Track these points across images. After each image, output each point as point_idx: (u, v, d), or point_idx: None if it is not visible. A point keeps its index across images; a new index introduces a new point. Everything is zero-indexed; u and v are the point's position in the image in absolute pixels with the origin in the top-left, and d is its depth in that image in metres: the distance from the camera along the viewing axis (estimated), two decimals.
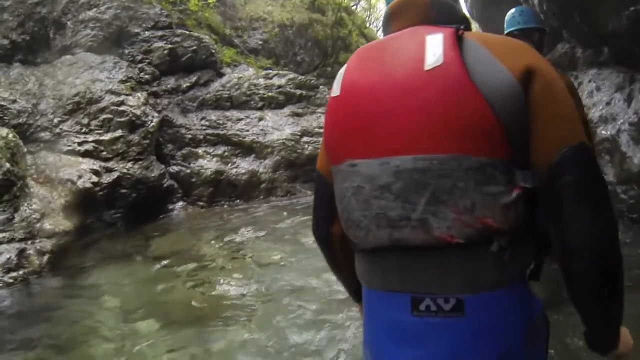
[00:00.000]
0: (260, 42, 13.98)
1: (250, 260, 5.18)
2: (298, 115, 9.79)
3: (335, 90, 1.37)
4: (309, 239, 5.39)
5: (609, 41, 5.60)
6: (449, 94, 1.15)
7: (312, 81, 11.12)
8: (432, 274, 1.26)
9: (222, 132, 8.50)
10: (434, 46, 1.19)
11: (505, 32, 3.44)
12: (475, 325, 1.25)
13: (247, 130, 8.72)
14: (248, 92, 9.58)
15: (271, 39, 14.29)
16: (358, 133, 1.29)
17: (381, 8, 21.81)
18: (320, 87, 11.01)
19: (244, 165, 8.29)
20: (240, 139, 8.53)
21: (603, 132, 5.69)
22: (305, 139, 9.13)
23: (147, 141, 7.39)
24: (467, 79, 1.13)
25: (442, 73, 1.15)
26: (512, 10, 3.52)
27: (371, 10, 21.25)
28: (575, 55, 6.57)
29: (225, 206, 7.79)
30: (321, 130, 9.58)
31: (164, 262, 5.22)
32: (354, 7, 18.65)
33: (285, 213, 6.98)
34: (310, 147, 9.01)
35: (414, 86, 1.18)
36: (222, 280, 4.65)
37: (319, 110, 10.25)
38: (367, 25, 20.47)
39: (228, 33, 12.98)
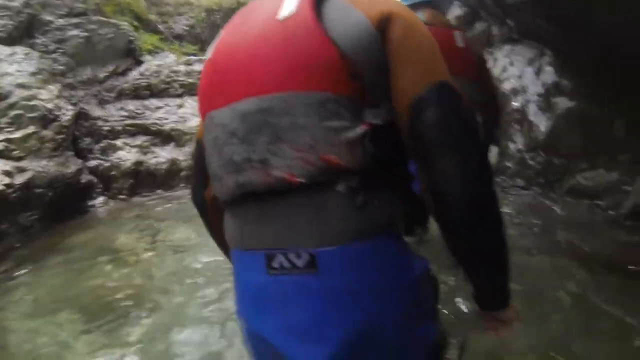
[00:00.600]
0: (186, 28, 13.80)
1: (166, 247, 5.37)
2: None
3: (208, 53, 1.41)
4: None
5: (513, 15, 5.92)
6: (295, 37, 1.16)
7: None
8: (282, 224, 1.21)
9: (141, 122, 8.48)
10: (291, 1, 1.21)
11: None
12: (331, 283, 1.17)
13: (167, 119, 8.71)
14: (167, 80, 9.52)
15: (197, 24, 14.11)
16: (216, 87, 1.32)
17: None
18: None
19: (163, 155, 8.31)
20: (159, 127, 8.53)
21: (514, 103, 6.16)
22: None
23: (62, 136, 7.24)
24: (315, 22, 1.14)
25: (293, 21, 1.17)
26: None
27: None
28: (491, 33, 6.99)
29: (147, 197, 7.83)
30: None
31: (82, 258, 5.26)
32: None
33: None
34: None
35: (266, 36, 1.21)
36: (138, 269, 4.84)
37: None
38: None
39: (153, 19, 12.77)
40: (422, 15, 2.75)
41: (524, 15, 5.49)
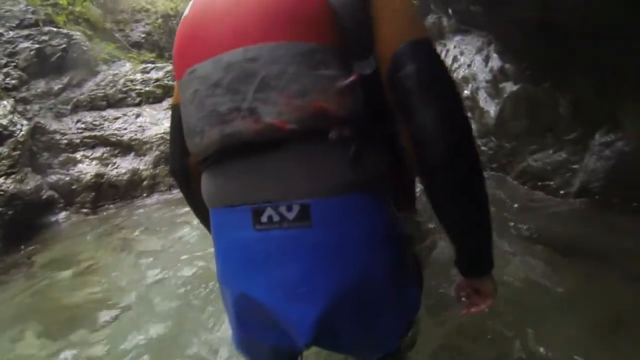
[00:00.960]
0: (143, 35, 13.56)
1: (128, 256, 5.35)
2: None
3: (185, 13, 1.41)
4: (187, 228, 5.64)
5: (453, 4, 6.07)
6: None
7: None
8: (272, 176, 1.19)
9: (99, 134, 8.40)
10: None
11: None
12: (323, 237, 1.16)
13: (125, 129, 8.66)
14: (124, 89, 9.46)
15: (155, 30, 13.86)
16: (197, 41, 1.30)
17: None
18: None
19: (124, 165, 8.25)
20: (119, 138, 8.47)
21: (465, 91, 6.23)
22: None
23: (18, 152, 7.12)
24: None
25: None
26: None
27: None
28: (442, 24, 7.10)
29: (110, 209, 7.75)
30: None
31: (44, 274, 5.23)
32: None
33: (166, 207, 7.17)
34: None
35: None
36: (100, 280, 4.81)
37: None
38: None
39: (109, 27, 12.61)
40: None
41: (461, 3, 5.64)
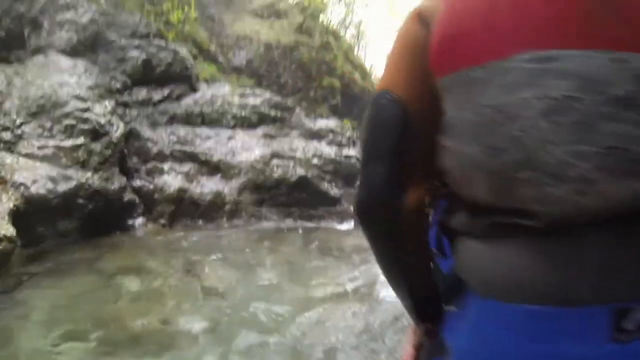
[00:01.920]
0: (244, 61, 13.77)
1: (198, 285, 5.01)
2: (270, 136, 9.63)
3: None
4: (264, 268, 5.32)
5: None
6: None
7: (288, 103, 11.04)
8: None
9: (189, 149, 8.32)
10: None
11: None
12: None
13: (216, 149, 8.54)
14: (221, 110, 9.42)
15: (256, 58, 14.04)
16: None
17: (369, 35, 21.91)
18: (297, 109, 10.99)
19: (208, 185, 8.08)
20: (208, 157, 8.35)
21: None
22: (275, 161, 8.94)
23: (110, 151, 7.17)
24: None
25: None
26: None
27: (359, 36, 21.23)
28: None
29: (187, 226, 7.55)
30: (292, 154, 9.60)
31: (110, 277, 5.06)
32: (342, 32, 18.58)
33: (246, 238, 6.90)
34: (279, 170, 8.83)
35: None
36: (165, 302, 4.52)
37: (293, 132, 10.13)
38: (355, 52, 20.43)
39: (213, 49, 12.83)
40: None
41: None
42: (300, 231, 7.42)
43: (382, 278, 1.20)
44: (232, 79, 11.61)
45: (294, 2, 15.07)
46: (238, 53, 13.83)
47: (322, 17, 16.28)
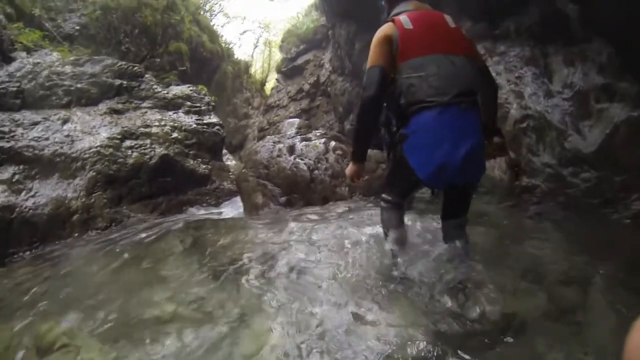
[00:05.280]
0: (77, 27, 11.15)
1: None
2: (118, 112, 7.18)
3: (407, 24, 2.68)
4: (145, 308, 3.16)
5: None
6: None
7: (137, 68, 8.40)
8: None
9: (8, 145, 5.57)
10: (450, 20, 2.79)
11: None
12: None
13: (47, 139, 5.92)
14: (48, 84, 6.75)
15: (91, 23, 11.51)
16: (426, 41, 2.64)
17: None
18: (146, 76, 8.46)
19: (44, 192, 5.44)
20: (37, 152, 5.71)
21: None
22: (128, 142, 6.54)
23: None
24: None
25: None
26: None
27: None
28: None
29: (25, 259, 4.83)
30: (147, 130, 6.86)
31: None
32: None
33: (107, 257, 4.39)
34: (135, 154, 6.45)
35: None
36: None
37: (144, 104, 7.74)
38: (201, 12, 17.86)
39: (37, 14, 9.99)
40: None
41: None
42: (175, 231, 5.05)
43: None
44: (62, 50, 8.83)
45: None
46: (69, 17, 11.17)
47: None
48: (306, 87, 16.67)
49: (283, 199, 5.88)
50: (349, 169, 2.97)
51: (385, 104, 2.80)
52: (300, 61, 17.65)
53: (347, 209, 5.04)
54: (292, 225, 4.29)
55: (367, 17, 9.99)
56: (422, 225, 3.60)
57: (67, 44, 10.02)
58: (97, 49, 10.88)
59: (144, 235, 4.78)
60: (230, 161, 11.08)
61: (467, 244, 2.79)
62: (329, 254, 3.45)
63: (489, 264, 2.91)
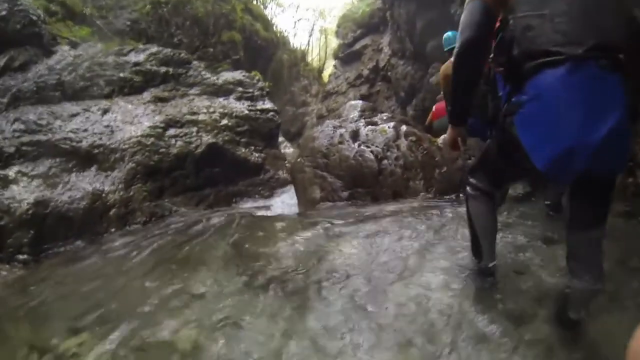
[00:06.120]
0: (128, 23, 10.90)
1: None
2: (162, 100, 6.53)
3: None
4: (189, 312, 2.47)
5: None
6: None
7: (183, 55, 7.74)
8: None
9: (45, 138, 5.11)
10: None
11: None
12: None
13: (85, 130, 5.39)
14: (88, 75, 6.21)
15: (142, 18, 11.23)
16: None
17: None
18: (194, 62, 7.80)
19: (81, 185, 4.89)
20: (74, 144, 5.18)
21: None
22: (171, 131, 5.89)
23: None
24: None
25: None
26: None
27: None
28: None
29: (61, 255, 4.36)
30: (194, 118, 5.73)
31: None
32: None
33: (136, 261, 3.73)
34: (179, 143, 5.80)
35: None
36: None
37: (192, 91, 7.05)
38: (254, 1, 17.36)
39: (89, 12, 9.71)
40: None
41: None
42: (216, 225, 4.29)
43: None
44: (113, 44, 8.41)
45: None
46: (120, 14, 10.90)
47: None
48: (365, 72, 15.93)
49: (345, 194, 4.72)
50: (448, 134, 2.18)
51: (490, 57, 2.02)
52: (357, 46, 16.99)
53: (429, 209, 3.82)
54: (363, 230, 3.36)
55: None
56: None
57: (118, 39, 9.68)
58: (148, 42, 10.46)
59: (180, 234, 4.12)
60: (288, 149, 10.46)
61: (601, 279, 1.83)
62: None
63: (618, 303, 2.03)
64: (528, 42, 1.71)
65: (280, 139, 9.57)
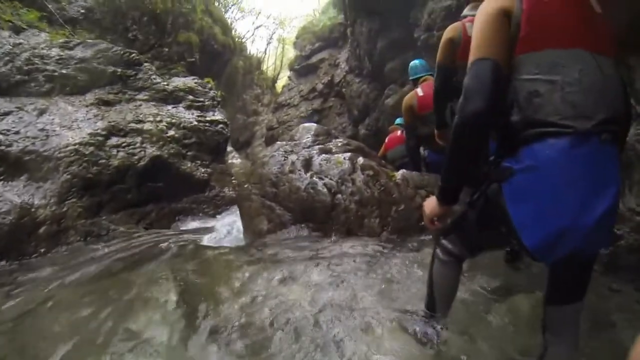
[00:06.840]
0: (82, 11, 10.23)
1: None
2: (107, 103, 6.02)
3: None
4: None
5: None
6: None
7: (134, 55, 7.20)
8: None
9: None
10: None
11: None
12: None
13: (17, 132, 4.81)
14: (27, 68, 5.62)
15: (97, 7, 10.60)
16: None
17: None
18: (145, 64, 7.31)
19: (7, 196, 4.32)
20: (3, 148, 4.60)
21: None
22: (113, 140, 5.38)
23: None
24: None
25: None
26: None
27: None
28: None
29: None
30: (139, 127, 4.96)
31: None
32: None
33: (79, 287, 3.28)
34: (121, 154, 5.32)
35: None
36: None
37: (140, 96, 6.57)
38: (215, 3, 16.90)
39: None
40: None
41: None
42: (157, 258, 3.87)
43: None
44: (63, 33, 7.81)
45: None
46: (74, 0, 10.21)
47: None
48: (319, 86, 15.72)
49: (294, 228, 4.36)
50: (431, 207, 1.91)
51: None
52: (314, 59, 16.76)
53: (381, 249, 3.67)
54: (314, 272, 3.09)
55: (393, 12, 9.07)
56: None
57: (69, 28, 9.04)
58: (102, 34, 9.93)
59: (117, 260, 3.71)
60: (235, 159, 10.06)
61: (577, 345, 1.77)
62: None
63: None
64: (532, 109, 1.55)
65: (229, 148, 9.18)
